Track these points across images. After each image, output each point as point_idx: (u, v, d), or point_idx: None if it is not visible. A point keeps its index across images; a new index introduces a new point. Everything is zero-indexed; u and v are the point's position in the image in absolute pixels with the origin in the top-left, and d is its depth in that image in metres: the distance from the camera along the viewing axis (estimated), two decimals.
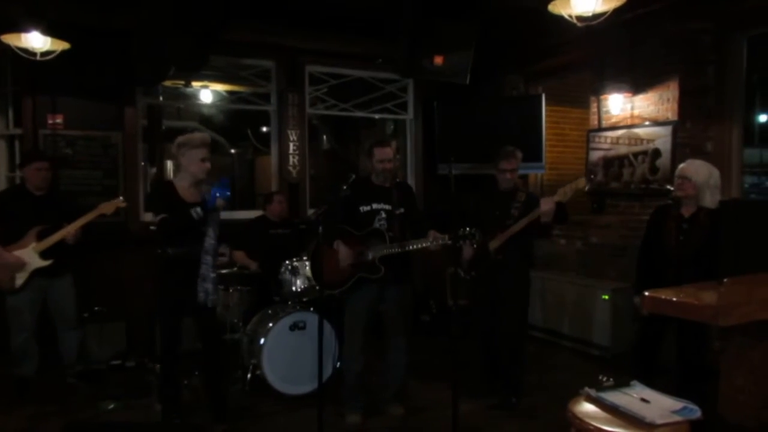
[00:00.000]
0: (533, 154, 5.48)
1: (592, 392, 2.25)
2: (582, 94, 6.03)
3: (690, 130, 4.65)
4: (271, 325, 4.02)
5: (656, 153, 4.77)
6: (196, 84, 5.79)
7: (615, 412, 2.11)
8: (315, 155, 8.25)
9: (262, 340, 3.98)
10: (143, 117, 5.58)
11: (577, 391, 2.30)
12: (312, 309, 4.20)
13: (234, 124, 9.24)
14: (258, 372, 4.07)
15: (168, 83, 5.53)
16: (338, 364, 4.05)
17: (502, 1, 4.76)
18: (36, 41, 3.91)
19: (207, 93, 6.04)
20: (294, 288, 4.27)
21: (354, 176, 3.56)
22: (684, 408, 2.10)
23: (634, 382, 2.33)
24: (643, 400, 2.17)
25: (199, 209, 3.32)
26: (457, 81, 5.07)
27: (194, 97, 6.13)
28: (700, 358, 3.34)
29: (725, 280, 2.20)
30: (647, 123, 4.89)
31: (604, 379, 2.33)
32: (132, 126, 5.27)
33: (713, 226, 3.23)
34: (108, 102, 5.17)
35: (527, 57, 6.04)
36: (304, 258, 4.37)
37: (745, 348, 2.22)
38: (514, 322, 3.88)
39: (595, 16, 3.37)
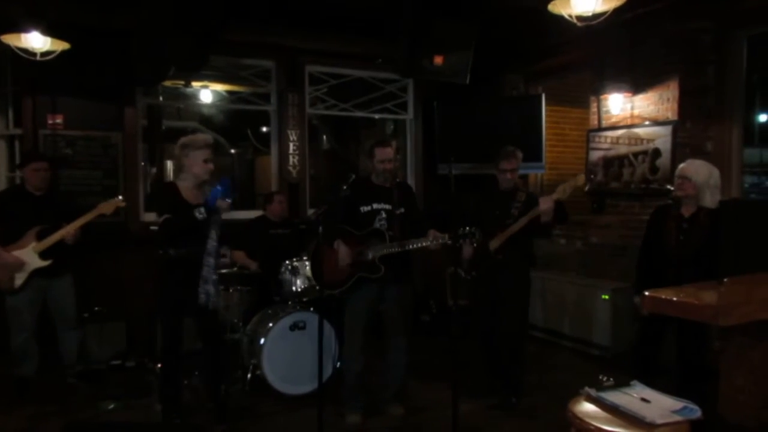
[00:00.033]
0: (533, 154, 5.47)
1: (593, 392, 2.25)
2: (582, 94, 6.03)
3: (690, 129, 4.65)
4: (271, 325, 4.02)
5: (656, 153, 4.77)
6: (196, 84, 5.78)
7: (615, 412, 2.11)
8: (315, 155, 8.25)
9: (262, 340, 3.98)
10: (143, 117, 5.59)
11: (577, 391, 2.30)
12: (312, 309, 4.20)
13: (234, 124, 9.23)
14: (258, 372, 4.07)
15: (168, 83, 5.54)
16: (338, 364, 4.05)
17: (502, 1, 4.75)
18: (36, 41, 3.91)
19: (207, 93, 6.04)
20: (294, 288, 4.28)
21: (354, 176, 3.56)
22: (684, 408, 2.10)
23: (634, 382, 2.33)
24: (644, 399, 2.17)
25: (202, 210, 3.32)
26: (457, 81, 5.08)
27: (194, 97, 6.13)
28: (700, 358, 3.34)
29: (725, 280, 2.20)
30: (647, 123, 4.89)
31: (605, 379, 2.33)
32: (132, 126, 5.27)
33: (713, 226, 3.22)
34: (108, 102, 5.16)
35: (527, 57, 6.04)
36: (304, 258, 4.37)
37: (745, 348, 2.22)
38: (515, 322, 3.87)
39: (595, 16, 3.37)
